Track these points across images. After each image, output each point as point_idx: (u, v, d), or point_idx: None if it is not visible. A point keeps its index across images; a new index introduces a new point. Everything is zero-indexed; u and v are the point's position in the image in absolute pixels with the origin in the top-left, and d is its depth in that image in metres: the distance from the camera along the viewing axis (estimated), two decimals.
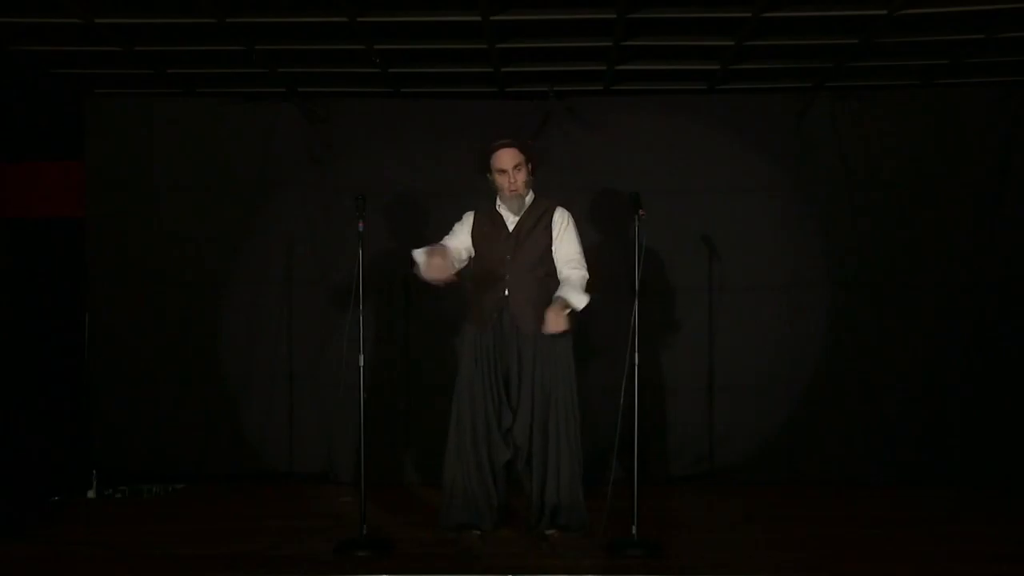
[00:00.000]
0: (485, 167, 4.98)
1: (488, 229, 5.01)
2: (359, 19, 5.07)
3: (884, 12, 4.96)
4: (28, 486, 5.97)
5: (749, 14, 4.99)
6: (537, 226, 4.97)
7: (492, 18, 5.03)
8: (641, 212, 4.76)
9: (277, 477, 6.39)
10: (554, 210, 5.00)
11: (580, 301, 4.86)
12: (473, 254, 5.05)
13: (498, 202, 5.02)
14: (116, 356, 6.42)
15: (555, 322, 4.77)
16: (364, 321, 4.86)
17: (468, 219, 5.07)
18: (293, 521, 5.43)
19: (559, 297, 4.85)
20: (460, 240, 5.04)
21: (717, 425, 6.35)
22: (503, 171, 4.90)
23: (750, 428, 6.34)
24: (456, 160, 6.35)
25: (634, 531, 4.80)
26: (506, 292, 4.93)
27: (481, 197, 6.27)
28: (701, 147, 6.34)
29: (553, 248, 4.96)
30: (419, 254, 4.84)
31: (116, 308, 6.42)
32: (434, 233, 6.28)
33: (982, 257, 6.27)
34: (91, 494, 6.04)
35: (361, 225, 4.80)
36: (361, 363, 4.87)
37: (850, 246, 6.32)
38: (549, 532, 4.94)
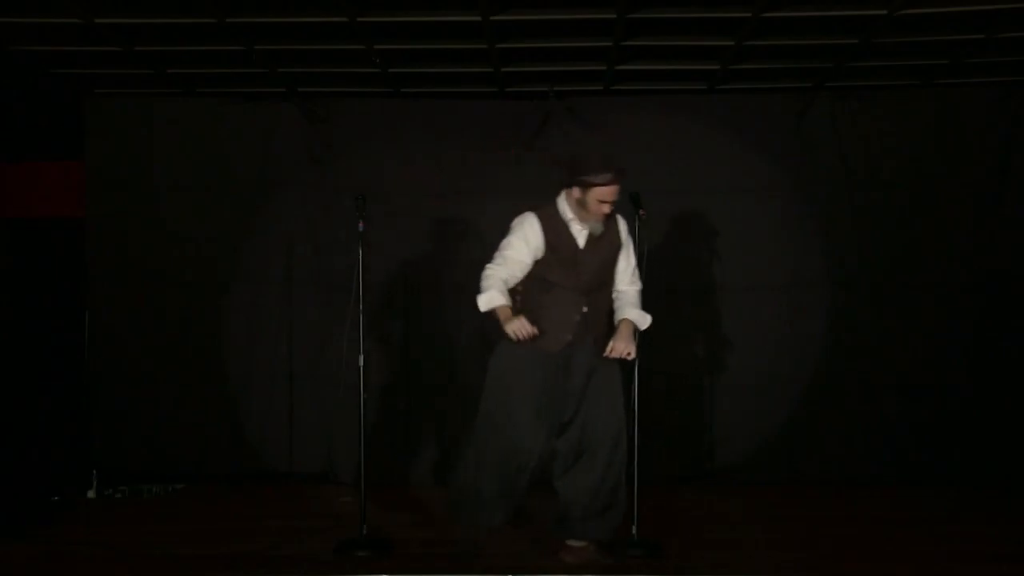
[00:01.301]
0: (576, 180, 4.49)
1: (558, 241, 4.56)
2: (359, 19, 5.06)
3: (884, 12, 4.96)
4: (28, 486, 5.96)
5: (749, 14, 4.99)
6: (605, 236, 4.61)
7: (492, 18, 5.03)
8: (641, 212, 4.76)
9: (277, 477, 6.39)
10: (617, 218, 4.67)
11: (646, 321, 4.70)
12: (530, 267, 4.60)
13: (566, 211, 4.57)
14: (116, 356, 6.42)
15: (628, 347, 4.57)
16: (364, 321, 4.86)
17: (535, 227, 4.55)
18: (293, 521, 5.43)
19: (626, 320, 4.65)
20: (530, 254, 4.55)
21: (717, 425, 6.35)
22: (605, 202, 4.49)
23: (750, 428, 6.34)
24: (456, 160, 6.36)
25: (634, 531, 4.80)
26: (585, 309, 4.59)
27: (478, 199, 6.33)
28: (701, 147, 6.34)
29: (618, 259, 4.71)
30: (495, 299, 4.49)
31: (116, 308, 6.42)
32: (434, 233, 6.34)
33: (982, 257, 6.27)
34: (91, 494, 6.04)
35: (361, 225, 4.80)
36: (361, 363, 4.86)
37: (850, 246, 6.32)
38: (573, 544, 4.72)
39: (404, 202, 6.32)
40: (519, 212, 4.66)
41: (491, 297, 4.47)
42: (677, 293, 6.28)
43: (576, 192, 4.52)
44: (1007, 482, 6.10)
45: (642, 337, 4.85)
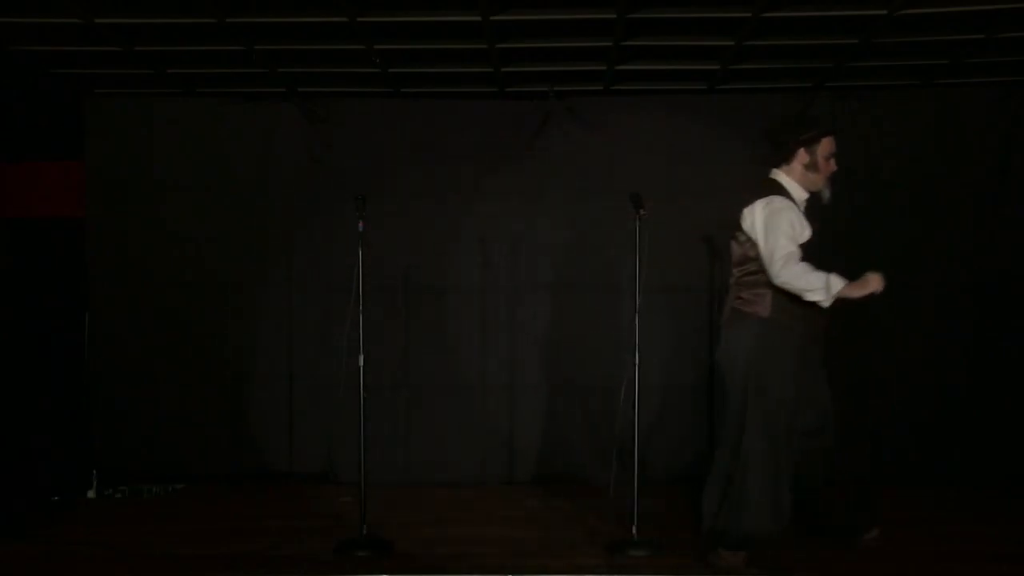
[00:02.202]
0: (801, 142, 4.46)
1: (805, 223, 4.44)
2: (359, 19, 5.06)
3: (884, 12, 4.96)
4: (28, 486, 5.97)
5: (749, 14, 4.99)
6: (810, 217, 4.52)
7: (492, 18, 5.03)
8: (642, 212, 4.77)
9: (277, 477, 6.39)
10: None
11: None
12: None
13: (794, 187, 4.48)
14: (116, 356, 6.42)
15: None
16: (364, 321, 4.86)
17: (794, 206, 4.41)
18: (293, 521, 5.44)
19: None
20: (800, 241, 4.38)
21: (717, 425, 6.35)
22: (833, 155, 4.50)
23: None
24: (456, 160, 6.36)
25: (634, 531, 4.81)
26: None
27: (478, 199, 6.33)
28: (701, 147, 6.34)
29: None
30: (836, 281, 4.35)
31: (116, 308, 6.42)
32: (434, 233, 6.34)
33: (982, 257, 6.27)
34: (91, 494, 6.05)
35: (361, 225, 4.80)
36: (361, 363, 4.87)
37: (850, 246, 6.31)
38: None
39: (404, 202, 6.32)
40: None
41: (835, 284, 4.31)
42: (677, 293, 6.28)
43: (803, 156, 4.46)
44: (1007, 482, 6.10)
45: (641, 337, 4.87)
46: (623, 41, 5.39)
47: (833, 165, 4.52)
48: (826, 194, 4.54)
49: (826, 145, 4.48)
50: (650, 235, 4.85)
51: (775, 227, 4.34)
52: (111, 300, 6.43)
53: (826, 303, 4.35)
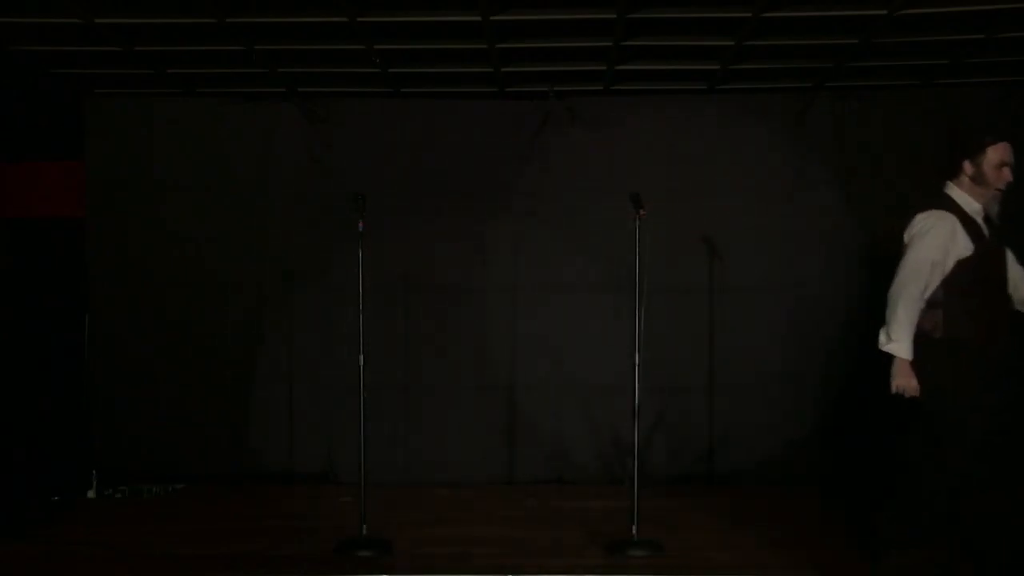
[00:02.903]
0: (965, 153, 4.33)
1: (975, 238, 4.25)
2: (359, 19, 5.07)
3: (884, 12, 4.96)
4: (28, 486, 5.97)
5: (749, 14, 4.99)
6: (993, 228, 4.34)
7: (492, 18, 5.03)
8: (642, 212, 4.77)
9: (277, 477, 6.39)
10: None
11: None
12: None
13: (966, 200, 4.33)
14: (116, 356, 6.42)
15: None
16: (364, 321, 4.86)
17: (955, 223, 4.24)
18: (293, 521, 5.44)
19: None
20: (952, 255, 4.25)
21: (717, 425, 6.35)
22: (1005, 164, 4.29)
23: (750, 428, 6.34)
24: (456, 160, 6.36)
25: (634, 531, 4.81)
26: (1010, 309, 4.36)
27: (478, 199, 6.34)
28: (701, 147, 6.35)
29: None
30: (903, 350, 4.24)
31: (116, 308, 6.42)
32: (434, 233, 6.34)
33: None
34: (91, 494, 6.05)
35: (361, 225, 4.81)
36: (361, 363, 4.87)
37: (850, 246, 6.32)
38: None
39: (404, 202, 6.33)
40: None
41: (902, 348, 4.23)
42: (677, 293, 6.28)
43: (968, 168, 4.32)
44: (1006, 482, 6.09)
45: (641, 337, 4.88)
46: (623, 41, 5.39)
47: (1007, 175, 4.29)
48: (994, 208, 4.36)
49: (993, 155, 4.29)
50: (650, 235, 4.85)
51: (915, 244, 4.29)
52: (111, 300, 6.43)
53: (881, 345, 4.28)
